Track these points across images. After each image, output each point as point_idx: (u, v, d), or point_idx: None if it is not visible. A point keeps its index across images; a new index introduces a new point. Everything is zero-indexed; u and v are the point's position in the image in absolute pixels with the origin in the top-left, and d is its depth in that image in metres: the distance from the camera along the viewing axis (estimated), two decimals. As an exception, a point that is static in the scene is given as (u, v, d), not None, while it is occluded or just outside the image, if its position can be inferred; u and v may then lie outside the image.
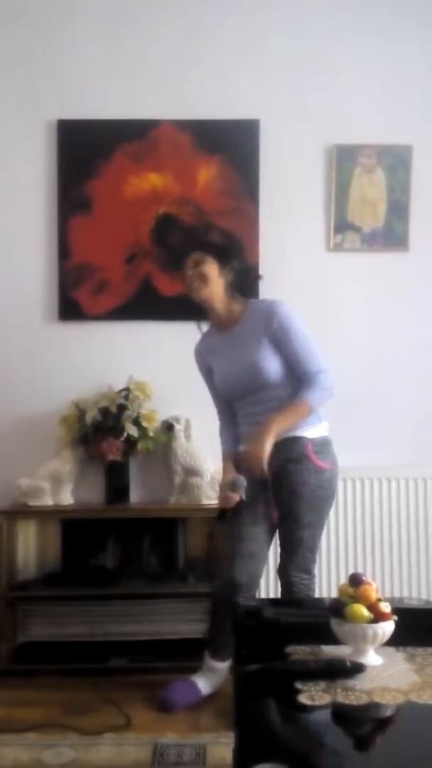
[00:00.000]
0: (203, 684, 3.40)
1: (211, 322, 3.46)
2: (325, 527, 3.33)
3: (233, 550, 3.29)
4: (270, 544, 3.37)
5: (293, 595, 3.17)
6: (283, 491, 3.19)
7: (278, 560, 3.33)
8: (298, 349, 3.16)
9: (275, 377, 3.18)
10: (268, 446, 3.05)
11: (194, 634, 3.77)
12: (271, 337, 3.18)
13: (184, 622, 3.58)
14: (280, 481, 3.18)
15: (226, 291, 3.34)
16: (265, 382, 3.19)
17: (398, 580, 4.09)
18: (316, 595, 3.69)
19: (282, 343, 3.17)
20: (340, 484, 4.00)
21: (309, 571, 3.24)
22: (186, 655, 3.54)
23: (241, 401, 3.33)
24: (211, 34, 4.27)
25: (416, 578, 4.09)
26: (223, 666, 3.40)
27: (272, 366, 3.18)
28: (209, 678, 3.40)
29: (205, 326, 3.51)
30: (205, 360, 3.47)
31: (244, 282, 3.41)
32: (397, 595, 4.03)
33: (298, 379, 3.19)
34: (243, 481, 3.16)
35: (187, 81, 4.26)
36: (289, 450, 3.17)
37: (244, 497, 3.16)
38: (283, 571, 3.26)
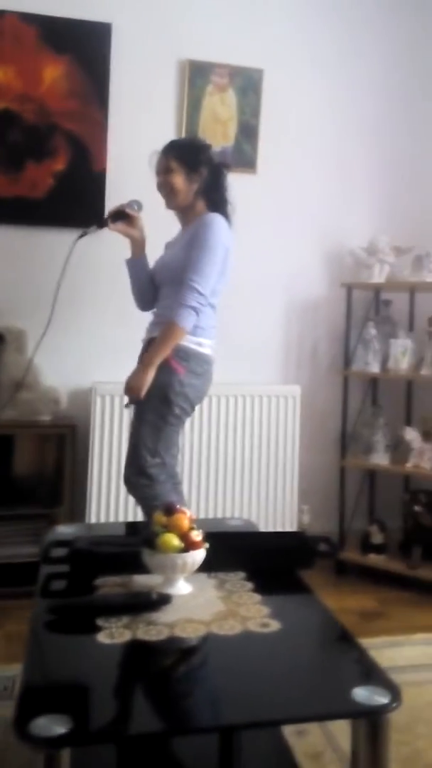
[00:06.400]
0: None
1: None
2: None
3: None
4: None
5: (137, 501, 3.23)
6: (125, 385, 3.23)
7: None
8: (194, 256, 3.17)
9: (179, 271, 3.21)
10: (148, 377, 3.13)
11: (19, 558, 3.66)
12: (191, 239, 3.23)
13: (9, 546, 3.49)
14: None
15: (192, 198, 3.34)
16: (173, 274, 3.25)
17: (230, 498, 4.18)
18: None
19: (190, 245, 3.21)
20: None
21: (149, 476, 3.19)
22: (16, 580, 3.46)
23: (159, 291, 3.41)
24: None
25: (248, 495, 4.21)
26: None
27: (180, 259, 3.23)
28: None
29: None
30: None
31: (212, 200, 3.37)
32: (229, 513, 4.14)
33: None
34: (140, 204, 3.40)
35: None
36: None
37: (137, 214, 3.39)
38: (126, 472, 3.26)
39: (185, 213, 3.39)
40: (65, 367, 4.07)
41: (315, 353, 4.57)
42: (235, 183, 4.18)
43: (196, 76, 4.23)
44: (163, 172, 3.34)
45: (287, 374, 4.51)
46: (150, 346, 3.23)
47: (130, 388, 3.15)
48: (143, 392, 3.12)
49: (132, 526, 3.00)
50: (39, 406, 3.88)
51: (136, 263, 3.47)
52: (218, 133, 4.27)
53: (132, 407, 3.27)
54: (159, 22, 4.22)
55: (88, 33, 4.10)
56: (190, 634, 1.87)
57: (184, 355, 3.20)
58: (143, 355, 3.27)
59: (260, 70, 4.32)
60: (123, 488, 3.69)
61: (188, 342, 3.20)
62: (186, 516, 2.16)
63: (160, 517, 2.18)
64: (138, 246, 3.46)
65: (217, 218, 3.25)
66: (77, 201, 4.02)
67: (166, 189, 3.34)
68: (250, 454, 4.22)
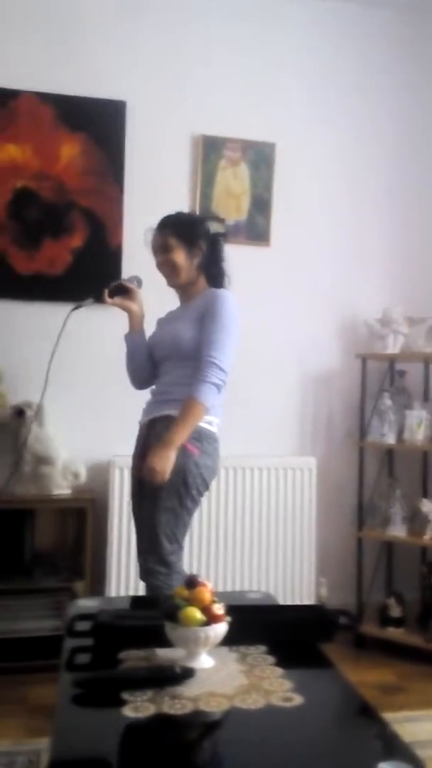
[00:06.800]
0: None
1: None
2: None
3: None
4: None
5: (151, 589, 3.09)
6: (147, 468, 3.08)
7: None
8: (211, 332, 3.11)
9: (188, 351, 3.15)
10: (172, 458, 3.02)
11: (41, 631, 3.66)
12: (201, 317, 3.16)
13: (31, 619, 3.54)
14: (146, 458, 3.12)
15: (194, 273, 3.32)
16: (178, 349, 3.19)
17: (248, 571, 4.22)
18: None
19: (203, 321, 3.14)
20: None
21: (168, 564, 3.09)
22: (38, 653, 3.46)
23: (159, 369, 3.35)
24: (81, 10, 4.28)
25: (265, 567, 4.24)
26: None
27: (190, 340, 3.16)
28: None
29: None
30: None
31: (211, 274, 3.36)
32: (247, 586, 4.16)
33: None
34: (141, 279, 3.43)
35: (53, 54, 4.23)
36: (157, 429, 3.14)
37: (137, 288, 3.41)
38: (142, 559, 3.16)
39: (186, 289, 3.36)
40: (84, 441, 4.13)
41: (330, 424, 4.63)
42: (249, 256, 4.36)
43: (210, 151, 4.38)
44: (162, 250, 3.31)
45: (303, 446, 4.57)
46: (154, 426, 3.18)
47: (154, 472, 3.00)
48: (167, 475, 3.01)
49: (152, 600, 2.99)
50: (59, 479, 3.94)
51: (135, 338, 3.44)
52: (231, 206, 4.41)
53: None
54: (172, 98, 4.38)
55: (103, 111, 4.25)
56: (214, 708, 1.89)
57: (197, 435, 3.11)
58: (148, 436, 3.19)
59: (272, 144, 4.47)
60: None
61: (201, 421, 3.12)
62: (207, 589, 2.19)
63: (182, 590, 2.21)
64: (136, 320, 3.44)
65: (227, 293, 3.24)
66: (95, 276, 4.08)
67: (168, 267, 3.31)
68: (267, 526, 4.27)
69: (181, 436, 3.04)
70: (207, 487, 3.20)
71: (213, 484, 3.98)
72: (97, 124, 4.25)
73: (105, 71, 4.29)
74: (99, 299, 3.35)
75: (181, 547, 3.17)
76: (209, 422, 3.16)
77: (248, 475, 4.26)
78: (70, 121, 4.22)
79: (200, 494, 3.17)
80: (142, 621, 2.33)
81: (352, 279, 4.66)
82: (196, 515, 4.06)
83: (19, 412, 3.96)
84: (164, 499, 3.06)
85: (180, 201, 4.30)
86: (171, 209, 4.12)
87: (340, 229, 4.65)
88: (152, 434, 3.17)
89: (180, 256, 3.28)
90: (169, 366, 3.26)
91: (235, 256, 4.26)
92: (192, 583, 2.22)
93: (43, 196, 4.19)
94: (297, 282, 4.56)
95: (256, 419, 4.42)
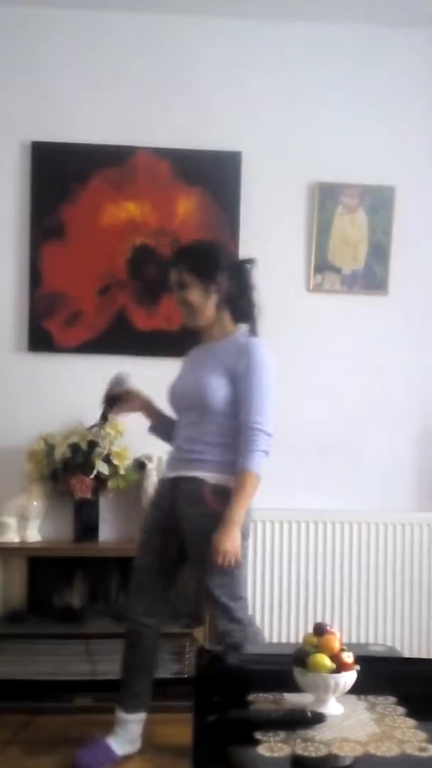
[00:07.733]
0: (116, 744, 3.26)
1: None
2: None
3: (131, 584, 3.37)
4: (168, 580, 3.33)
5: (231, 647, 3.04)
6: (183, 535, 3.16)
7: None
8: (252, 395, 3.05)
9: (216, 407, 3.10)
10: (237, 537, 2.99)
11: (161, 674, 3.68)
12: (233, 372, 3.09)
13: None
14: (179, 522, 3.17)
15: (215, 308, 3.22)
16: (203, 402, 3.13)
17: (365, 625, 4.24)
18: (284, 641, 3.78)
19: (240, 382, 3.07)
20: (311, 528, 4.15)
21: (239, 620, 3.10)
22: (155, 694, 3.50)
23: (180, 418, 3.32)
24: (193, 62, 4.38)
25: (383, 623, 4.25)
26: (132, 718, 3.28)
27: (218, 394, 3.09)
28: (121, 735, 3.27)
29: None
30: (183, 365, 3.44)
31: (239, 307, 3.27)
32: (364, 640, 4.15)
33: (238, 429, 3.08)
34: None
35: (168, 109, 4.34)
36: (185, 490, 3.15)
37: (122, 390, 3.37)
38: (216, 626, 3.17)
39: (207, 329, 3.27)
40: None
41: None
42: (365, 305, 4.35)
43: (326, 198, 4.37)
44: (178, 288, 3.21)
45: (421, 501, 4.49)
46: (178, 485, 3.16)
47: (226, 554, 2.96)
48: (239, 551, 2.99)
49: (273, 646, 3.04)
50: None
51: (159, 427, 3.47)
52: (348, 255, 4.38)
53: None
54: (287, 146, 4.39)
55: (218, 163, 4.31)
56: (348, 752, 1.93)
57: (221, 494, 3.07)
58: (174, 495, 3.18)
59: (392, 187, 4.39)
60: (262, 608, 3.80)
61: (225, 480, 3.08)
62: (336, 637, 2.25)
63: (310, 637, 2.28)
64: (149, 411, 3.46)
65: (259, 344, 3.16)
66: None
67: (185, 307, 3.22)
68: (383, 581, 4.28)
69: (242, 511, 3.01)
70: (246, 537, 3.16)
71: (339, 537, 4.12)
72: (213, 176, 4.32)
73: (219, 122, 4.36)
74: (106, 419, 3.44)
75: (245, 600, 3.18)
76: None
77: (364, 529, 4.27)
78: (186, 175, 4.31)
79: (245, 548, 3.14)
80: (270, 665, 2.40)
81: None
82: (311, 569, 4.20)
83: (141, 465, 4.09)
84: (211, 563, 3.02)
85: (295, 252, 4.38)
86: (285, 261, 4.21)
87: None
88: (180, 495, 3.17)
89: (195, 295, 3.18)
90: (193, 417, 3.20)
91: (351, 306, 4.38)
92: (321, 630, 2.28)
93: (160, 252, 4.28)
94: (417, 331, 4.49)
95: (372, 472, 4.40)
